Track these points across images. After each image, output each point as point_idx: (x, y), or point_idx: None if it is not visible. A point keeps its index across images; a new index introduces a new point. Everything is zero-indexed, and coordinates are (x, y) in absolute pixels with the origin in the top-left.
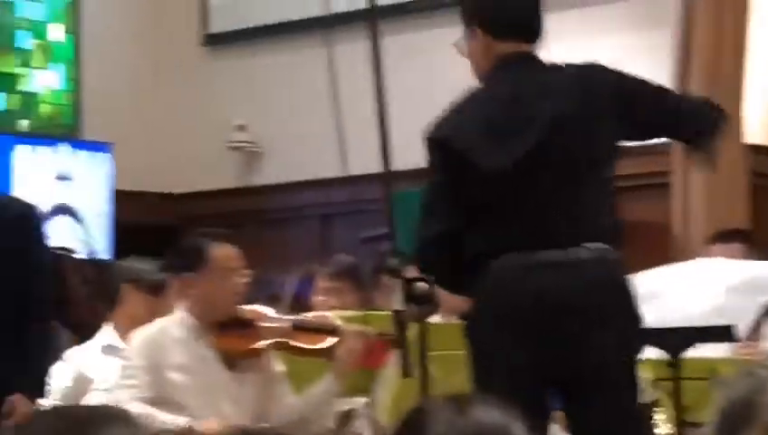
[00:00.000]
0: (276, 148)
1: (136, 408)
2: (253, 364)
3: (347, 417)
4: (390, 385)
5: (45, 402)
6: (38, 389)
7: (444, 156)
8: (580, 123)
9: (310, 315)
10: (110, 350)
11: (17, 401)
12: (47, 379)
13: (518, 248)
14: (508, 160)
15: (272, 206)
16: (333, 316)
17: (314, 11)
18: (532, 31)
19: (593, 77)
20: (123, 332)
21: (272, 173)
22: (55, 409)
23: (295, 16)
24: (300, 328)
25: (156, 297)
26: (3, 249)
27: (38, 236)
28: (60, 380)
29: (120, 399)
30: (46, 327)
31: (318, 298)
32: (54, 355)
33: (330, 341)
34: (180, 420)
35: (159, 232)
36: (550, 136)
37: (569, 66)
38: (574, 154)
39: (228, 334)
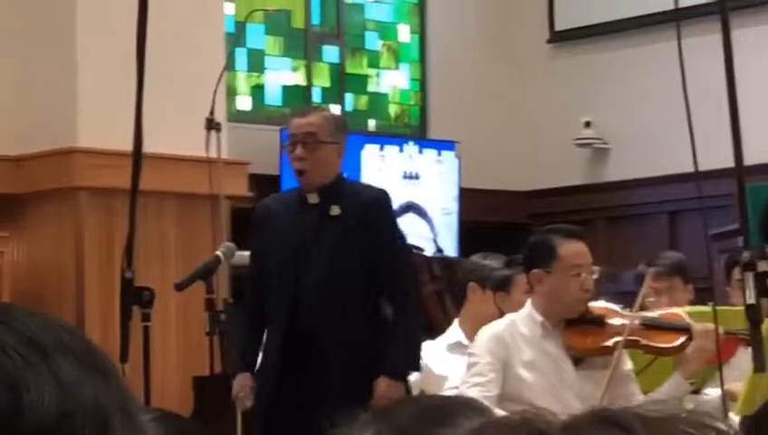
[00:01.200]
0: (623, 144)
1: None
2: (601, 362)
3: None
4: (743, 380)
5: None
6: (399, 375)
7: None
8: None
9: (659, 313)
10: (456, 347)
11: (380, 383)
12: (410, 365)
13: None
14: None
15: (620, 202)
16: (683, 313)
17: (662, 4)
18: None
19: None
20: (470, 329)
21: (619, 169)
22: (413, 397)
23: (642, 11)
24: (650, 326)
25: (503, 294)
26: (353, 234)
27: (390, 220)
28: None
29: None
30: (409, 311)
31: (649, 299)
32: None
33: (680, 339)
34: None
35: (506, 230)
36: None
37: None
38: None
39: (577, 331)
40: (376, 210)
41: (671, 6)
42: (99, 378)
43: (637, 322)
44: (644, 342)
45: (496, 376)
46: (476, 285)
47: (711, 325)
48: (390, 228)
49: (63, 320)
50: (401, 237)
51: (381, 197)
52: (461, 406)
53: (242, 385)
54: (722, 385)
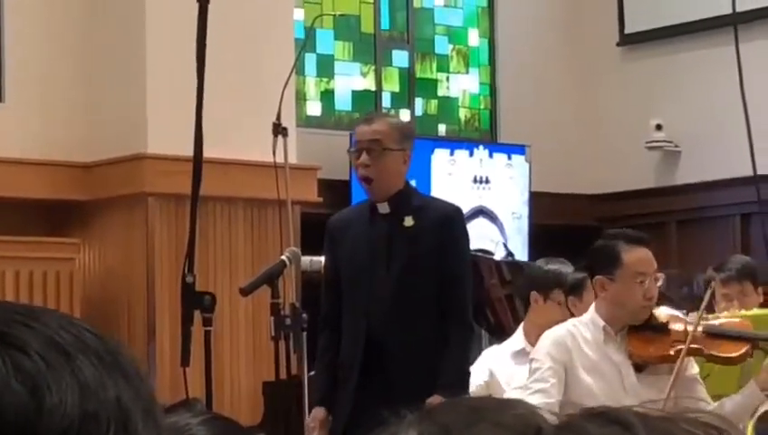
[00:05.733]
0: (694, 146)
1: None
2: (665, 368)
3: (764, 418)
4: None
5: None
6: (457, 388)
7: None
8: None
9: (721, 321)
10: (520, 355)
11: (435, 401)
12: (465, 378)
13: None
14: None
15: (691, 205)
16: (745, 320)
17: (731, 7)
18: None
19: None
20: (534, 336)
21: (690, 172)
22: (463, 398)
23: (713, 13)
24: (713, 335)
25: (574, 299)
26: (425, 248)
27: (460, 237)
28: (474, 379)
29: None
30: (465, 328)
31: (720, 305)
32: (472, 356)
33: (743, 349)
34: None
35: (577, 233)
36: None
37: None
38: None
39: (640, 338)
40: (450, 228)
41: (739, 8)
42: (121, 379)
43: (700, 329)
44: (706, 351)
45: (557, 382)
46: (537, 293)
47: None
48: (461, 249)
49: (87, 321)
50: (469, 255)
51: (456, 214)
52: (501, 404)
53: (314, 418)
54: None
